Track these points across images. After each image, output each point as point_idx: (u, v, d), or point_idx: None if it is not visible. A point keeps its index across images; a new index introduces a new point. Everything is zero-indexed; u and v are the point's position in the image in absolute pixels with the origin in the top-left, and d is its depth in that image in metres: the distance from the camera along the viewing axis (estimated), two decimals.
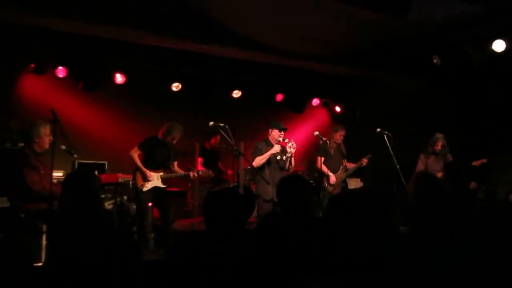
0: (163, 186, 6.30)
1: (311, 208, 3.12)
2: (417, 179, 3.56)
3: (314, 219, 2.89)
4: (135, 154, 6.14)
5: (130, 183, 6.54)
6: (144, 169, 6.12)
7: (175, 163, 6.51)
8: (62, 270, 2.30)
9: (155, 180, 6.21)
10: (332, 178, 6.93)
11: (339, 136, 7.09)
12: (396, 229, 2.51)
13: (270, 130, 6.39)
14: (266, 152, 6.20)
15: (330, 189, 6.95)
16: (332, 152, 7.02)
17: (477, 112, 8.06)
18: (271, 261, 2.00)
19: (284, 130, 6.34)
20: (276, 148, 6.15)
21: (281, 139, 6.24)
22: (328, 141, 6.99)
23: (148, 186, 6.13)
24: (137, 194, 6.16)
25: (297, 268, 1.96)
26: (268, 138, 6.40)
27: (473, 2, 5.88)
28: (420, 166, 7.16)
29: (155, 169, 6.21)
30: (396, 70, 8.28)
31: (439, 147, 7.10)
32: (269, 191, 6.04)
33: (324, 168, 7.00)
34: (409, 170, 6.81)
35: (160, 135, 6.21)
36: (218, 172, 8.47)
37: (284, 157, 6.30)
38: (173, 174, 6.41)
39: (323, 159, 7.02)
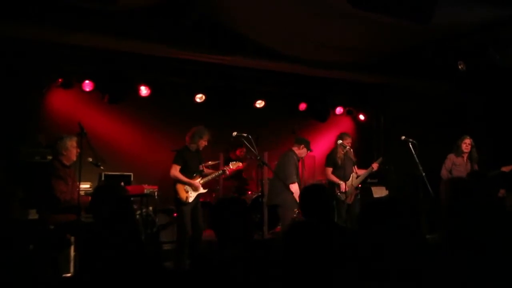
0: (205, 190, 6.36)
1: (333, 215, 3.13)
2: (449, 185, 3.49)
3: (337, 226, 2.87)
4: (177, 172, 6.10)
5: (156, 193, 6.59)
6: (191, 181, 6.14)
7: (202, 166, 6.55)
8: (92, 281, 2.33)
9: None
10: (342, 186, 6.87)
11: (346, 143, 7.02)
12: (423, 237, 2.48)
13: (301, 145, 6.72)
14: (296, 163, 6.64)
15: (342, 197, 6.89)
16: (340, 161, 6.96)
17: (507, 116, 7.91)
18: (300, 268, 2.01)
19: (310, 151, 6.88)
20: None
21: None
22: (334, 150, 7.07)
23: (192, 195, 6.14)
24: (180, 207, 6.12)
25: (324, 275, 1.96)
26: (296, 152, 6.68)
27: (497, 5, 5.80)
28: (447, 165, 7.06)
29: (192, 178, 6.24)
30: (420, 76, 8.20)
31: (468, 146, 6.99)
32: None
33: (333, 178, 6.97)
34: (435, 177, 6.74)
35: (187, 142, 6.23)
36: (242, 182, 8.48)
37: None
38: (209, 176, 6.45)
39: (331, 169, 7.05)
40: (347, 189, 6.88)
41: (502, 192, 6.48)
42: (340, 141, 6.96)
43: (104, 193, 3.44)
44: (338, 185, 6.92)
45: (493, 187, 6.48)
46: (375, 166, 7.20)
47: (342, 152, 6.95)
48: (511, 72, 7.24)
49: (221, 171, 6.66)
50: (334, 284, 2.04)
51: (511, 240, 2.50)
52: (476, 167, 7.06)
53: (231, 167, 6.72)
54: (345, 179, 6.90)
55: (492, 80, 7.82)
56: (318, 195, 3.27)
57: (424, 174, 6.29)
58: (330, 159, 7.07)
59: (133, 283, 2.23)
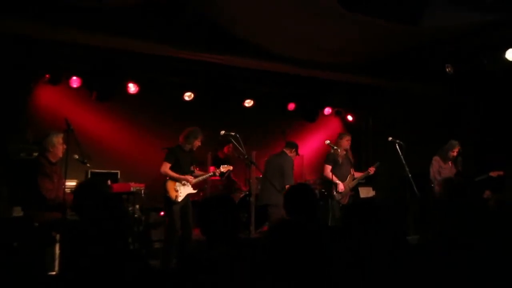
0: (195, 191, 6.35)
1: (319, 215, 3.14)
2: (446, 185, 3.53)
3: (321, 226, 2.89)
4: (167, 169, 6.06)
5: (142, 191, 6.55)
6: (182, 176, 6.11)
7: (194, 167, 6.53)
8: (77, 279, 2.32)
9: (186, 187, 6.22)
10: (341, 186, 6.93)
11: (346, 141, 7.13)
12: (404, 238, 2.51)
13: (292, 149, 6.96)
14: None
15: (338, 197, 6.94)
16: (340, 160, 7.03)
17: (494, 119, 7.99)
18: (285, 266, 2.01)
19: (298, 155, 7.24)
20: None
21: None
22: (337, 150, 7.04)
23: (182, 194, 6.11)
24: (169, 206, 6.08)
25: (307, 275, 1.97)
26: (288, 155, 6.91)
27: (487, 10, 5.86)
28: (435, 167, 7.12)
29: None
30: (409, 78, 8.25)
31: (455, 153, 7.08)
32: None
33: (332, 177, 7.01)
34: (422, 178, 6.80)
35: (181, 142, 6.20)
36: (229, 181, 8.46)
37: None
38: (200, 177, 6.43)
39: (330, 167, 7.04)
40: (343, 190, 6.97)
41: (487, 193, 6.56)
42: (327, 141, 7.05)
43: (86, 190, 3.42)
44: (336, 185, 6.97)
45: (480, 189, 6.58)
46: (371, 170, 7.28)
47: (344, 152, 7.06)
48: (500, 75, 7.32)
49: (211, 173, 6.68)
50: (322, 283, 2.04)
51: (497, 239, 2.53)
52: (460, 168, 7.14)
53: (222, 170, 6.72)
54: (342, 180, 7.01)
55: (481, 84, 7.89)
56: (305, 194, 3.28)
57: (410, 175, 6.34)
58: (331, 157, 7.10)
59: (116, 281, 2.22)
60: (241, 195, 8.05)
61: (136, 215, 6.75)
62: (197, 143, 6.25)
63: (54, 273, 4.94)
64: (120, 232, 2.40)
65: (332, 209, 6.93)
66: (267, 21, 6.38)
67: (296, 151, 7.05)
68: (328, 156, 7.18)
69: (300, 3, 5.85)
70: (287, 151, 6.95)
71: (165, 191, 6.06)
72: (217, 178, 7.64)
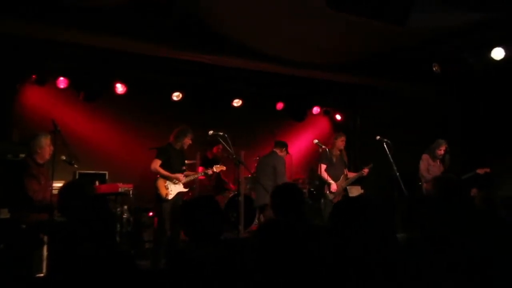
0: (186, 189, 6.35)
1: (304, 215, 3.15)
2: (438, 183, 3.55)
3: (310, 225, 2.90)
4: (157, 166, 6.05)
5: (131, 192, 6.53)
6: (172, 175, 6.09)
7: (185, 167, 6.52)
8: (64, 280, 2.30)
9: (177, 185, 6.20)
10: (334, 186, 6.97)
11: (340, 142, 7.20)
12: (394, 236, 2.52)
13: (283, 148, 7.08)
14: None
15: (331, 197, 6.98)
16: (334, 160, 7.08)
17: (481, 118, 8.07)
18: (271, 267, 2.02)
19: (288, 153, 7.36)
20: None
21: None
22: (329, 150, 7.07)
23: (172, 193, 6.10)
24: (159, 204, 6.08)
25: (295, 274, 1.98)
26: (279, 154, 6.99)
27: (473, 10, 5.91)
28: (424, 165, 7.18)
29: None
30: (397, 78, 8.29)
31: (442, 152, 7.16)
32: None
33: (326, 175, 7.03)
34: (410, 177, 6.85)
35: (172, 140, 6.19)
36: (219, 181, 8.45)
37: None
38: (191, 177, 6.41)
39: (325, 166, 7.06)
40: (336, 189, 7.02)
41: (474, 191, 6.62)
42: (316, 141, 7.10)
43: (71, 191, 3.40)
44: (329, 184, 7.00)
45: (467, 187, 6.64)
46: (365, 171, 7.33)
47: (338, 152, 7.15)
48: (487, 74, 7.39)
49: (203, 172, 6.67)
50: (311, 282, 2.05)
51: (486, 237, 2.56)
52: (446, 167, 7.22)
53: (214, 170, 6.72)
54: (335, 179, 7.06)
55: (468, 83, 7.96)
56: (292, 194, 3.28)
57: (398, 174, 6.38)
58: (324, 156, 7.12)
59: (104, 282, 2.21)
60: (230, 195, 8.04)
61: (124, 216, 6.72)
62: (188, 141, 6.25)
63: (41, 275, 4.90)
64: (107, 232, 2.39)
65: (325, 209, 6.96)
66: (257, 21, 6.38)
67: (286, 150, 7.12)
68: (321, 155, 7.20)
69: (290, 3, 5.86)
70: (278, 151, 6.99)
71: (156, 189, 6.06)
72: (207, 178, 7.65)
